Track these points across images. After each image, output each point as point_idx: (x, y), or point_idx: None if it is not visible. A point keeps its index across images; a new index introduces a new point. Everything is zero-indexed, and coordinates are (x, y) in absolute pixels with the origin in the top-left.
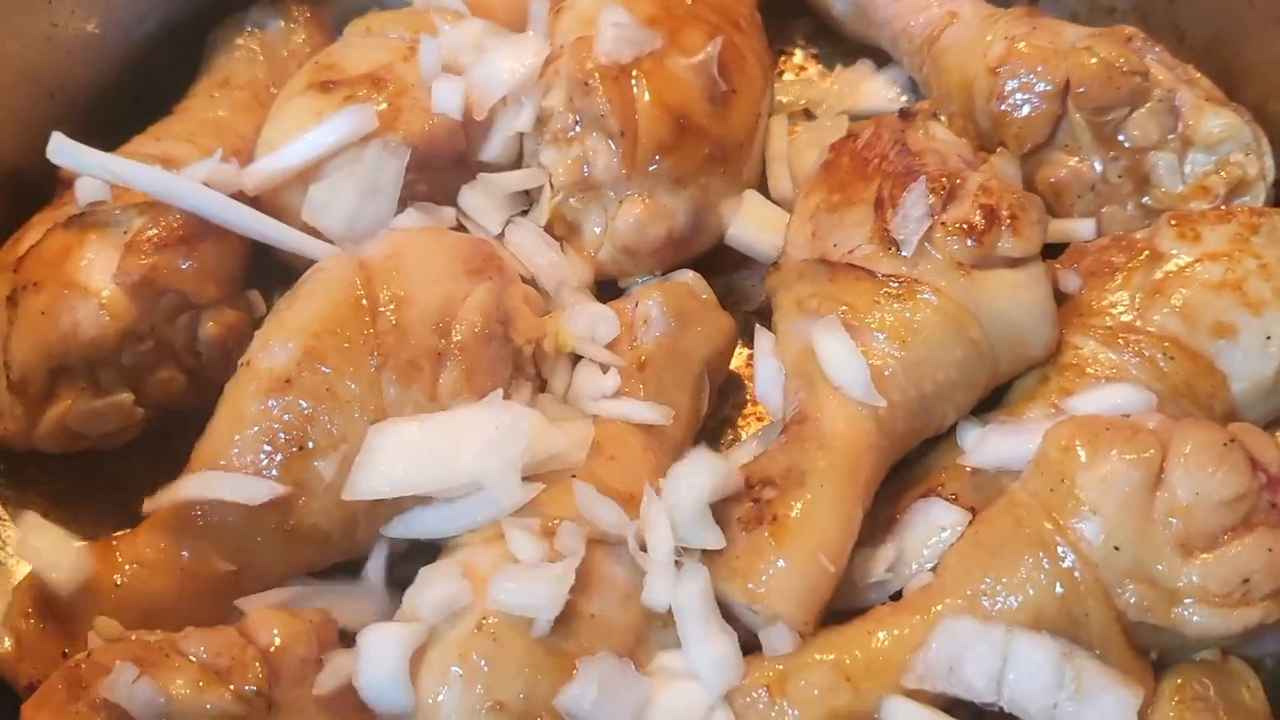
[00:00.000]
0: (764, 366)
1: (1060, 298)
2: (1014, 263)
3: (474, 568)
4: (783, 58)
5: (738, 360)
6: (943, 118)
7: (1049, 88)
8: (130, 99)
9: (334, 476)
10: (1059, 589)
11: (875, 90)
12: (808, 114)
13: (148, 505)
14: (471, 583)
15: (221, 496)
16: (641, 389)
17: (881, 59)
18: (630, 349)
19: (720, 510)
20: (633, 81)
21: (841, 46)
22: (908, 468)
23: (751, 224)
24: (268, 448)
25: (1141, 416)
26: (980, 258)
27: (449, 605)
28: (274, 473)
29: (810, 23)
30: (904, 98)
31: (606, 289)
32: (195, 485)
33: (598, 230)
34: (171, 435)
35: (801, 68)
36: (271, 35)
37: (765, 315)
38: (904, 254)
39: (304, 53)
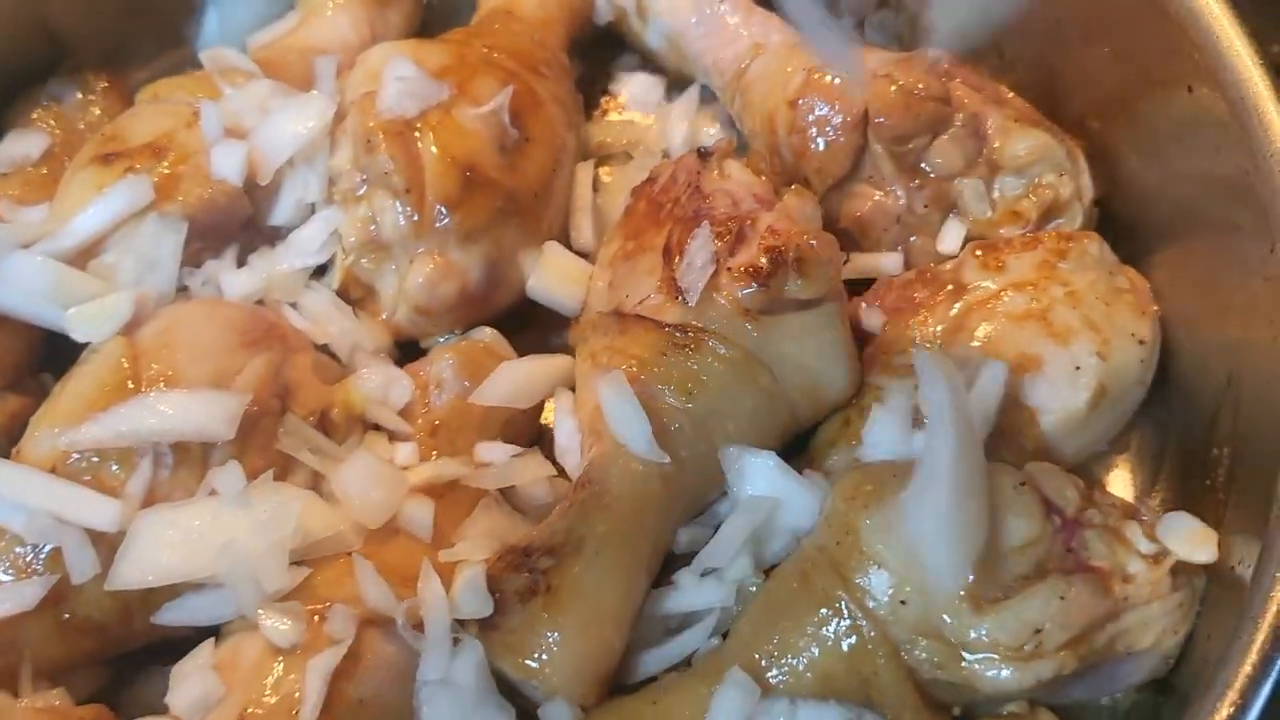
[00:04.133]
0: (562, 426)
1: (865, 336)
2: (805, 305)
3: (240, 655)
4: (605, 97)
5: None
6: (745, 156)
7: (847, 119)
8: None
9: (102, 566)
10: (846, 648)
11: (697, 128)
12: (629, 155)
13: None
14: (236, 671)
15: None
16: (435, 455)
17: (708, 93)
18: (423, 413)
19: (497, 582)
20: (417, 135)
21: (666, 82)
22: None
23: (551, 276)
24: None
25: None
26: (767, 302)
27: (203, 702)
28: (41, 566)
29: (635, 59)
30: (724, 134)
31: (411, 351)
32: None
33: (392, 291)
34: None
35: (625, 106)
36: (68, 108)
37: None
38: (689, 303)
39: (101, 124)
